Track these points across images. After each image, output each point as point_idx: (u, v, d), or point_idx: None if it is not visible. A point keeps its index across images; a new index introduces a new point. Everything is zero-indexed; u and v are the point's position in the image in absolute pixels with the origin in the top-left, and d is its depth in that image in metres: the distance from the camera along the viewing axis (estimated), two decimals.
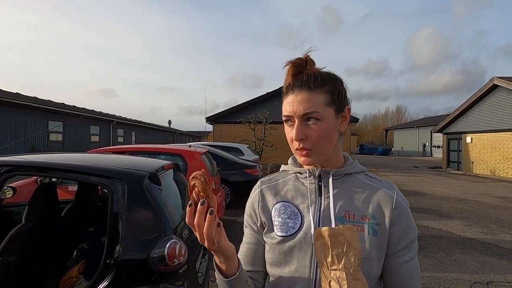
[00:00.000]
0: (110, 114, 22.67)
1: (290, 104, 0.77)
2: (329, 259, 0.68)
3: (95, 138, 19.24)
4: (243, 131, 17.99)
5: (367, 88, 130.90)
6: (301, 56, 0.80)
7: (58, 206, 2.55)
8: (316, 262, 0.75)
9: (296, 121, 0.76)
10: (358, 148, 47.43)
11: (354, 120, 22.41)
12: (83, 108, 19.35)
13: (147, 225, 1.90)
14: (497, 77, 16.02)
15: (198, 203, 0.65)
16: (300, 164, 0.87)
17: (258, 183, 0.92)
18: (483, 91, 16.87)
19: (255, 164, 8.10)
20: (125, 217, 1.83)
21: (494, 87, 16.25)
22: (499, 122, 16.03)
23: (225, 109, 21.36)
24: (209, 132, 30.25)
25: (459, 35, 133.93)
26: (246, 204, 0.91)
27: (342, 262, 0.67)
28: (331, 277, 0.67)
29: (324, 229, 0.67)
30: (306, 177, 0.83)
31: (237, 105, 20.79)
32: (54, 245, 2.38)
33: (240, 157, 9.26)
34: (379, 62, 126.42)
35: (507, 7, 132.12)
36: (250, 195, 0.91)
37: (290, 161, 0.92)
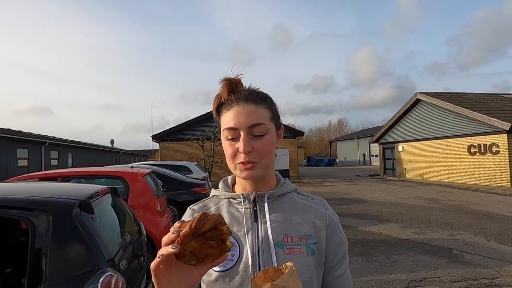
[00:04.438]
0: (42, 135, 20.54)
1: (236, 116, 0.74)
2: None
3: (23, 163, 17.18)
4: (191, 149, 17.64)
5: (314, 102, 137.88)
6: (233, 77, 0.79)
7: None
8: None
9: (242, 133, 0.73)
10: (306, 160, 49.42)
11: (300, 133, 23.41)
12: (8, 129, 17.27)
13: (77, 259, 1.72)
14: (420, 92, 18.15)
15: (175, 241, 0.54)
16: (233, 189, 0.85)
17: (189, 211, 0.85)
18: (409, 105, 18.93)
19: (204, 182, 7.94)
20: (50, 252, 1.64)
21: (418, 101, 18.36)
22: (424, 132, 18.04)
23: (173, 126, 20.82)
24: (156, 150, 29.07)
25: (392, 54, 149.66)
26: None
27: None
28: None
29: (267, 285, 0.61)
30: (241, 202, 0.80)
31: (185, 122, 20.41)
32: None
33: (188, 175, 9.03)
34: (325, 78, 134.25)
35: (428, 31, 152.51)
36: None
37: (221, 185, 0.87)
